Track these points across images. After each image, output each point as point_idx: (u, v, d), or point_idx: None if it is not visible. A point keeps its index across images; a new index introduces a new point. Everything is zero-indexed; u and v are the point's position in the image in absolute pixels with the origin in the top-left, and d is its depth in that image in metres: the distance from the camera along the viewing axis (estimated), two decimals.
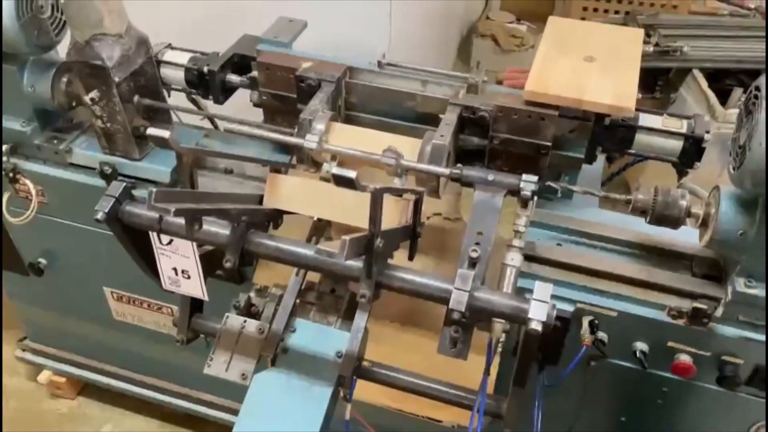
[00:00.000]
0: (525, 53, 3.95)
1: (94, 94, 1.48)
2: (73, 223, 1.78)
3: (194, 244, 1.16)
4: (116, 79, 1.47)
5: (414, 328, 1.49)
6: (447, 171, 1.21)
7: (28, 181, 1.70)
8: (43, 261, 1.94)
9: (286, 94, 1.56)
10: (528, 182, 1.19)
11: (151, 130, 0.89)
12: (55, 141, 1.66)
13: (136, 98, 1.54)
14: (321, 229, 1.38)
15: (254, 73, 1.60)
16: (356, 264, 1.05)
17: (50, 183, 1.70)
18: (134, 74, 1.52)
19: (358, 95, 1.55)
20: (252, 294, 1.39)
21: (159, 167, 1.58)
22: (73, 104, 1.63)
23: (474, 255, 1.09)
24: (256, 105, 1.65)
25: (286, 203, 1.27)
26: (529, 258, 1.36)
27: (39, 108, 1.63)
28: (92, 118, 1.54)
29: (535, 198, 1.20)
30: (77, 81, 1.51)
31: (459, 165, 1.23)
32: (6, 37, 1.46)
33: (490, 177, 1.19)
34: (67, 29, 1.55)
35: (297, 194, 1.26)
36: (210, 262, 1.25)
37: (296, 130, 1.41)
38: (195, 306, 1.36)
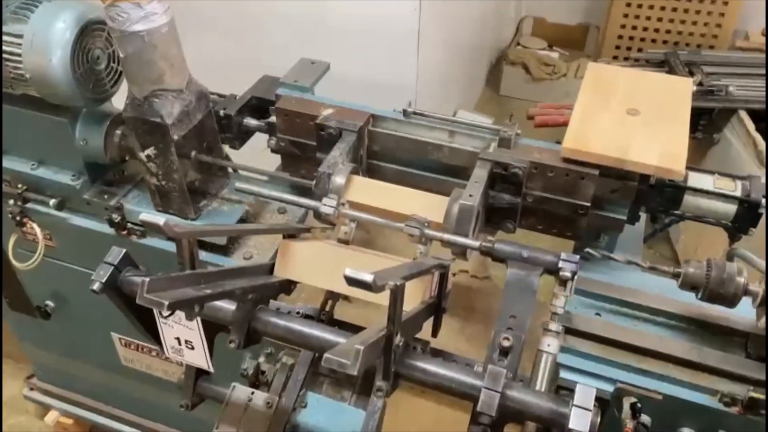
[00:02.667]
0: (557, 82, 3.87)
1: (150, 151, 1.41)
2: (79, 267, 1.71)
3: (198, 318, 1.07)
4: (175, 137, 1.39)
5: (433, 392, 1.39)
6: (476, 244, 1.12)
7: (35, 225, 1.63)
8: (50, 304, 1.88)
9: (306, 142, 1.51)
10: (568, 262, 1.08)
11: (145, 216, 0.81)
12: (106, 196, 1.57)
13: (193, 154, 1.47)
14: (336, 292, 1.28)
15: (272, 118, 1.55)
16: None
17: (58, 227, 1.63)
18: (193, 130, 1.45)
19: (382, 144, 1.49)
20: (261, 359, 1.33)
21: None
22: (126, 158, 1.56)
23: (506, 344, 0.99)
24: (273, 151, 1.59)
25: (299, 274, 1.20)
26: (565, 330, 1.25)
27: (90, 162, 1.56)
28: (147, 174, 1.47)
29: (576, 276, 1.09)
30: (132, 135, 1.43)
31: (490, 239, 1.13)
32: (60, 90, 1.38)
33: (526, 254, 1.09)
34: (123, 80, 1.47)
35: (311, 264, 1.20)
36: (217, 326, 1.17)
37: (314, 183, 1.34)
38: (201, 370, 1.29)
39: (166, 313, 1.01)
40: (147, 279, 0.79)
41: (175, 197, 1.49)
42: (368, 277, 0.74)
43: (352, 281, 0.75)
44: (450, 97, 3.33)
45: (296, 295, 1.35)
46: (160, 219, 0.82)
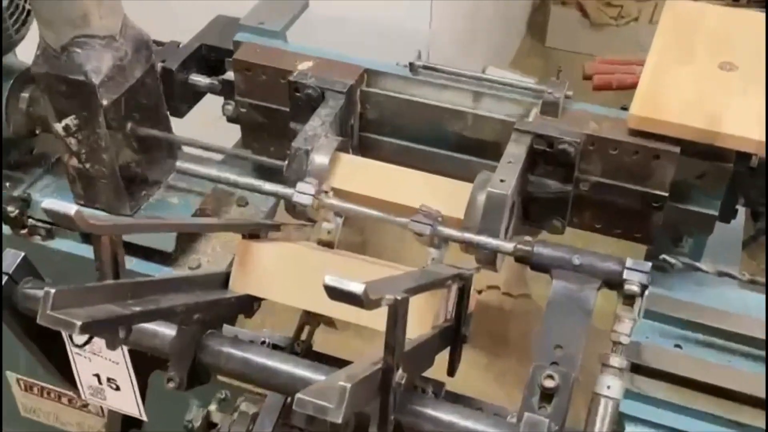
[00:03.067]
0: (624, 29, 3.88)
1: (69, 121, 1.41)
2: None
3: (125, 347, 1.09)
4: (104, 102, 1.39)
5: None
6: (509, 246, 1.13)
7: None
8: None
9: (275, 107, 1.54)
10: (637, 271, 1.09)
11: (50, 204, 0.81)
12: (8, 184, 1.57)
13: (129, 126, 1.47)
14: (315, 314, 1.31)
15: (229, 75, 1.57)
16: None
17: None
18: (130, 92, 1.45)
19: (380, 111, 1.51)
20: (213, 407, 1.36)
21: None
22: (36, 131, 1.57)
23: (550, 384, 1.00)
24: (231, 120, 1.62)
25: (264, 287, 1.21)
26: (632, 366, 1.26)
27: None
28: (64, 154, 1.47)
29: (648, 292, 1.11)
30: (44, 99, 1.43)
31: (527, 239, 1.14)
32: None
33: (577, 260, 1.11)
34: (33, 21, 1.48)
35: (280, 273, 1.21)
36: (151, 359, 1.19)
37: (286, 164, 1.36)
38: (130, 419, 1.33)
39: (79, 338, 1.03)
40: (52, 290, 0.80)
41: (104, 186, 1.49)
42: (357, 287, 0.74)
43: (334, 292, 0.76)
44: (476, 49, 3.34)
45: (260, 317, 1.36)
46: (70, 207, 0.82)
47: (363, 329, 1.47)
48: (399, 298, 0.82)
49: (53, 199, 0.84)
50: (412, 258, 1.44)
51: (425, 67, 1.48)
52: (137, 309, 0.91)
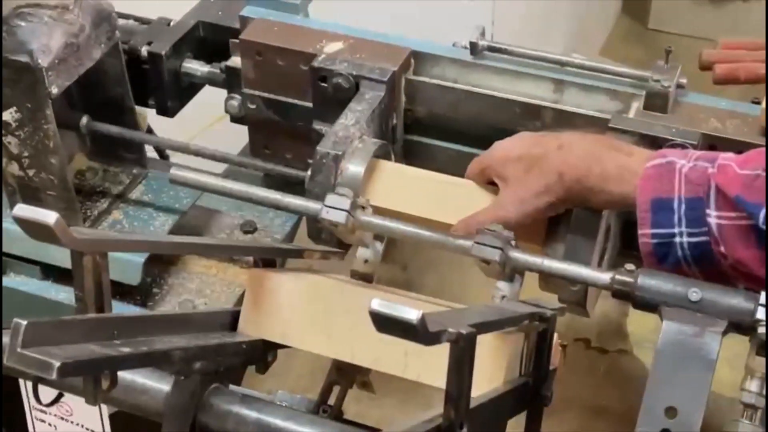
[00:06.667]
0: (756, 5, 3.89)
1: (9, 115, 1.45)
2: None
3: (105, 409, 1.12)
4: (53, 90, 1.43)
5: None
6: (606, 278, 1.14)
7: None
8: None
9: (294, 102, 1.57)
10: None
11: (22, 210, 0.85)
12: None
13: (84, 121, 1.51)
14: (349, 369, 1.33)
15: (235, 61, 1.60)
16: None
17: None
18: (86, 78, 1.49)
19: (431, 106, 1.54)
20: None
21: (125, 256, 1.49)
22: None
23: None
24: (235, 119, 1.65)
25: (282, 330, 1.23)
26: None
27: None
28: (3, 158, 1.51)
29: None
30: None
31: (629, 268, 1.16)
32: None
33: (695, 294, 1.11)
34: None
35: (303, 312, 1.22)
36: (137, 422, 1.21)
37: (309, 174, 1.39)
38: None
39: (47, 392, 1.07)
40: (23, 322, 0.83)
41: (52, 199, 1.53)
42: (411, 314, 0.77)
43: (382, 320, 0.78)
44: (554, 31, 3.38)
45: (278, 376, 1.39)
46: (48, 215, 0.86)
47: (409, 396, 1.50)
48: (464, 332, 0.85)
49: (26, 205, 0.87)
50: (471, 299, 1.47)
51: (491, 49, 1.50)
52: (126, 350, 0.93)
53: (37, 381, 1.11)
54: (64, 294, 1.55)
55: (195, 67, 1.66)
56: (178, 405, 1.10)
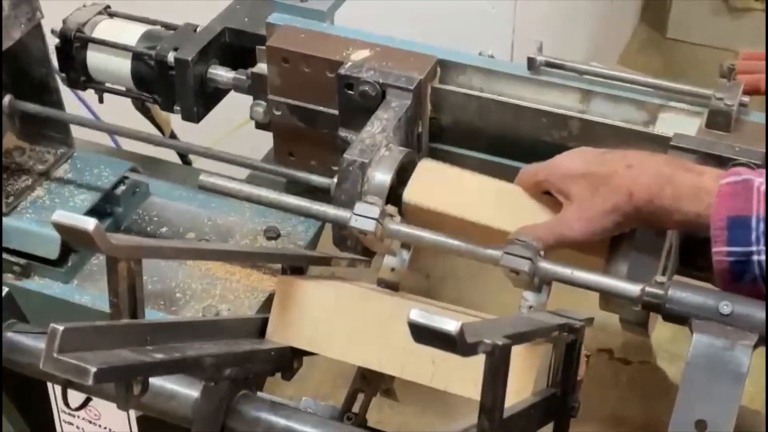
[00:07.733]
0: None
1: None
2: None
3: (132, 413, 1.12)
4: None
5: None
6: (635, 290, 1.15)
7: None
8: None
9: (320, 109, 1.57)
10: None
11: (61, 216, 0.86)
12: None
13: (7, 99, 1.53)
14: (373, 377, 1.33)
15: (261, 67, 1.61)
16: None
17: None
18: (7, 58, 1.50)
19: (457, 114, 1.55)
20: None
21: (44, 230, 1.55)
22: None
23: None
24: (260, 126, 1.66)
25: (310, 338, 1.24)
26: None
27: None
28: None
29: None
30: None
31: (660, 280, 1.16)
32: None
33: (726, 307, 1.10)
34: None
35: (331, 319, 1.24)
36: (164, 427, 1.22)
37: (336, 182, 1.40)
38: None
39: (76, 397, 1.08)
40: (60, 328, 0.84)
41: None
42: (450, 325, 0.77)
43: (421, 331, 0.79)
44: (572, 40, 3.37)
45: (299, 382, 1.39)
46: (87, 222, 0.86)
47: (428, 404, 1.50)
48: (500, 343, 0.85)
49: (65, 211, 0.88)
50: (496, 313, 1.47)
51: (549, 65, 1.50)
52: (159, 356, 0.94)
53: (66, 385, 1.13)
54: (87, 297, 1.56)
55: (221, 73, 1.66)
56: (207, 411, 1.11)
